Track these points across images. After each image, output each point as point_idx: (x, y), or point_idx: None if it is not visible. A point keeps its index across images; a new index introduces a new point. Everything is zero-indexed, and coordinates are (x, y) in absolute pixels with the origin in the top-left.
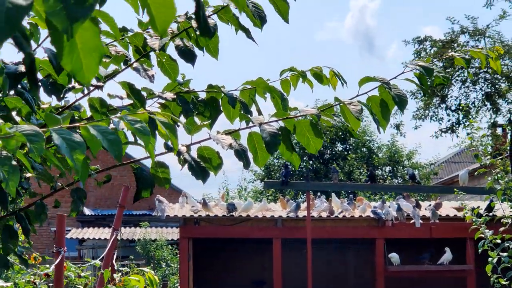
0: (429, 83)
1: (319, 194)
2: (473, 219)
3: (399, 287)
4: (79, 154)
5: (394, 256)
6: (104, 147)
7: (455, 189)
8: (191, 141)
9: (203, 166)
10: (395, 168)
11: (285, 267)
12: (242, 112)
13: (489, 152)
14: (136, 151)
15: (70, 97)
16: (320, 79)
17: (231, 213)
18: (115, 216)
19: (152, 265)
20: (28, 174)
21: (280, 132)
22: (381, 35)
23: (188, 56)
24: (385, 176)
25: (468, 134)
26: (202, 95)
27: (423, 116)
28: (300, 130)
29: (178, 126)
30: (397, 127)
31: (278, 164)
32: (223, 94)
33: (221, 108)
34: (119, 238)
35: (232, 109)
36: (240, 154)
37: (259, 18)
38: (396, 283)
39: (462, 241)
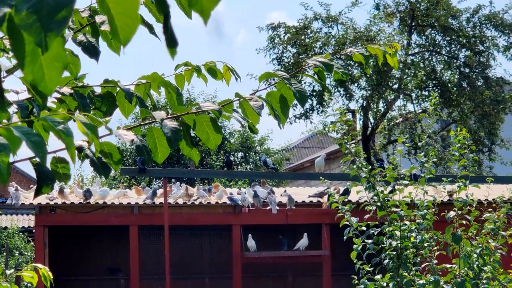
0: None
1: (173, 180)
2: (339, 207)
3: (256, 273)
4: (4, 157)
5: (250, 243)
6: (29, 148)
7: (321, 178)
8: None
9: (105, 161)
10: (247, 154)
11: (141, 254)
12: (138, 106)
13: (347, 138)
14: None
15: None
16: (214, 74)
17: (88, 200)
18: None
19: (4, 253)
20: None
21: (181, 128)
22: (229, 22)
23: (92, 51)
24: (238, 162)
25: (329, 119)
26: (98, 90)
27: None
28: (200, 126)
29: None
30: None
31: (130, 149)
32: (118, 89)
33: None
34: None
35: (127, 104)
36: (142, 150)
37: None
38: (253, 269)
39: (318, 227)
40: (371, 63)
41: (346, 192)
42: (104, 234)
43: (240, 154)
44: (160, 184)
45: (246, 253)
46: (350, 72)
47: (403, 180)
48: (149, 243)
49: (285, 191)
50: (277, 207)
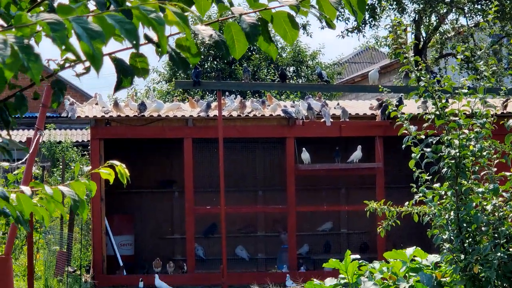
0: None
1: (227, 93)
2: (398, 115)
3: (309, 185)
4: (99, 43)
5: (305, 155)
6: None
7: (380, 87)
8: (170, 32)
9: (183, 56)
10: (299, 68)
11: (195, 167)
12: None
13: (406, 47)
14: None
15: None
16: None
17: (142, 114)
18: (38, 117)
19: (61, 166)
20: None
21: (259, 23)
22: None
23: None
24: (290, 76)
25: (388, 28)
26: None
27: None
28: (277, 21)
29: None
30: (304, 27)
31: None
32: None
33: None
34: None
35: (204, 0)
36: (220, 45)
37: None
38: (306, 181)
39: (371, 140)
40: None
41: (401, 102)
42: (158, 147)
43: (292, 68)
44: (214, 98)
45: (300, 166)
46: None
47: (461, 89)
48: (203, 156)
49: (338, 104)
50: (331, 120)
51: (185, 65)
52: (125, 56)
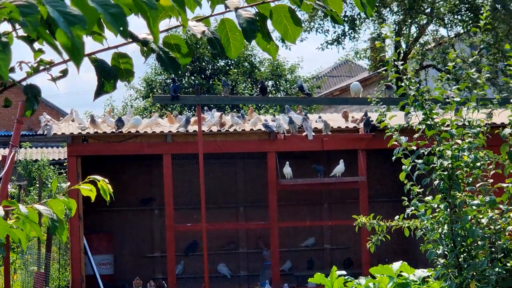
0: None
1: (206, 108)
2: (388, 126)
3: (291, 200)
4: (79, 30)
5: (287, 169)
6: (106, 21)
7: (369, 97)
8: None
9: (172, 56)
10: (277, 82)
11: (175, 184)
12: None
13: (393, 55)
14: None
15: None
16: None
17: (120, 130)
18: (13, 133)
19: (37, 185)
20: None
21: (257, 18)
22: None
23: None
24: (269, 90)
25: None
26: None
27: (308, 28)
28: (277, 17)
29: None
30: (282, 40)
31: (160, 80)
32: None
33: None
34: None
35: None
36: (214, 42)
37: None
38: (288, 196)
39: (354, 153)
40: None
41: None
42: (137, 164)
43: (270, 82)
44: (192, 113)
45: (282, 181)
46: None
47: (452, 98)
48: (183, 173)
49: (319, 117)
50: (313, 133)
51: (175, 65)
52: (107, 58)
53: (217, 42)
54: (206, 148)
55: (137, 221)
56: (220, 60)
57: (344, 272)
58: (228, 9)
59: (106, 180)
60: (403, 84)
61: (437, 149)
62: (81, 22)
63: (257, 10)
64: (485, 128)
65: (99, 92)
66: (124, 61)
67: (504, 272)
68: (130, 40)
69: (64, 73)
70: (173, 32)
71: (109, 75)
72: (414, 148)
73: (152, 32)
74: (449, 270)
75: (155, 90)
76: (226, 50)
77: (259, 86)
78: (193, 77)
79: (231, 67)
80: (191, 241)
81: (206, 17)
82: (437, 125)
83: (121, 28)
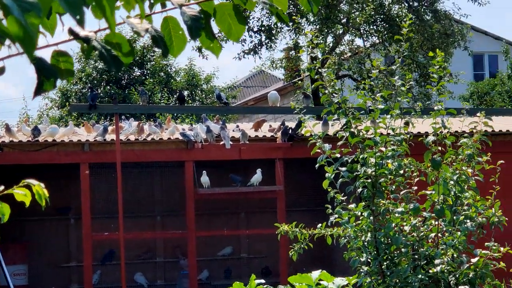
0: None
1: (123, 117)
2: (312, 134)
3: (208, 210)
4: (34, 18)
5: (204, 178)
6: (62, 8)
7: (292, 104)
8: (99, 27)
9: (115, 54)
10: (193, 92)
11: (92, 193)
12: None
13: (317, 63)
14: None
15: None
16: None
17: (36, 139)
18: None
19: None
20: None
21: (202, 16)
22: None
23: None
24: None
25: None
26: None
27: (225, 38)
28: (221, 15)
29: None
30: (199, 49)
31: (75, 90)
32: None
33: None
34: None
35: None
36: (158, 41)
37: None
38: (205, 206)
39: (271, 162)
40: None
41: (299, 125)
42: (54, 173)
43: (186, 92)
44: (109, 122)
45: (200, 190)
46: (298, 6)
47: (376, 106)
48: (101, 182)
49: (237, 126)
50: (231, 142)
51: (117, 64)
52: (46, 55)
53: (161, 40)
54: (124, 157)
55: (53, 230)
56: (136, 70)
57: (263, 281)
58: (173, 7)
59: (42, 185)
60: (326, 91)
61: (360, 156)
62: (35, 8)
63: (201, 8)
64: (408, 136)
65: (39, 90)
66: (64, 60)
67: (427, 279)
68: (71, 37)
69: (2, 70)
70: (117, 30)
71: (49, 73)
72: (338, 155)
73: (108, 21)
74: (373, 278)
75: (70, 100)
76: (169, 49)
77: (177, 95)
78: (108, 87)
79: (147, 77)
80: (108, 250)
81: (147, 15)
82: (361, 132)
83: (78, 17)
